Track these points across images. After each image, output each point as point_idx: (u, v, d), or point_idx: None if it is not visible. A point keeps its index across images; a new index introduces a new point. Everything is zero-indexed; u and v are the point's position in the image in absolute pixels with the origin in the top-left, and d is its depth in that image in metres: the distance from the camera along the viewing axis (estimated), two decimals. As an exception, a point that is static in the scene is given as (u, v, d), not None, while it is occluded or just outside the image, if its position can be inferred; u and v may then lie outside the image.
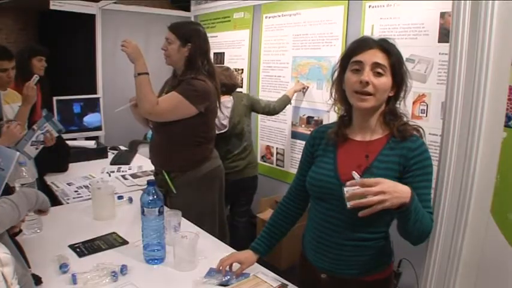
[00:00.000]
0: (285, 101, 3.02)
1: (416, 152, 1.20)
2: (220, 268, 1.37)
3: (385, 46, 1.21)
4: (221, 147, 2.58)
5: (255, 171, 2.95)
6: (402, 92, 1.25)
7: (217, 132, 2.72)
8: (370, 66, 1.19)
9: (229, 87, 2.80)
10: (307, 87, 3.05)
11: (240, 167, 2.80)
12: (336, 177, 1.26)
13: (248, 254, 1.44)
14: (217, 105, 2.12)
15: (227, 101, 2.78)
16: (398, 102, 1.27)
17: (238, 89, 3.63)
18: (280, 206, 1.50)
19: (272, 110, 2.98)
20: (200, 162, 2.09)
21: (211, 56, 3.72)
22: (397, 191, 1.08)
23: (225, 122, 2.76)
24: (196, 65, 2.00)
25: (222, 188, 2.27)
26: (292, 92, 3.05)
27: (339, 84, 1.29)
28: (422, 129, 1.27)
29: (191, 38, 2.01)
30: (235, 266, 1.40)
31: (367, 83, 1.18)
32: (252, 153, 2.97)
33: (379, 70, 1.19)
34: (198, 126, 2.03)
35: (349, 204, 1.16)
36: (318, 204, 1.33)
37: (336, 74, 1.31)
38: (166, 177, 2.06)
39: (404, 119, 1.27)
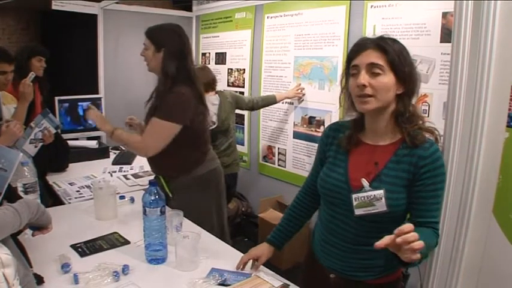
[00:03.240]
0: (270, 100, 3.08)
1: (428, 160, 1.14)
2: (240, 267, 1.40)
3: (381, 44, 1.16)
4: None
5: (237, 168, 3.01)
6: (412, 87, 1.18)
7: None
8: (365, 68, 1.15)
9: (209, 85, 2.86)
10: (302, 95, 3.07)
11: (226, 163, 2.82)
12: (346, 183, 1.24)
13: (263, 247, 1.45)
14: (202, 107, 2.02)
15: (214, 98, 2.86)
16: (411, 98, 1.20)
17: (239, 89, 3.64)
18: (295, 200, 1.50)
19: (255, 104, 3.07)
20: (194, 166, 2.05)
21: (213, 55, 3.72)
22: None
23: (214, 118, 2.81)
24: (171, 71, 1.90)
25: (221, 189, 2.21)
26: (282, 97, 3.10)
27: (347, 90, 1.26)
28: (438, 131, 1.20)
29: (165, 42, 1.92)
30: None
31: (364, 86, 1.14)
32: (236, 150, 3.03)
33: (376, 70, 1.14)
34: (186, 135, 1.96)
35: (356, 212, 1.16)
36: (327, 207, 1.32)
37: (343, 81, 1.27)
38: (162, 181, 2.05)
39: (419, 121, 1.19)
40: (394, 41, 1.19)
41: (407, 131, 1.17)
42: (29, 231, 1.59)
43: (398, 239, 0.94)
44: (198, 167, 2.07)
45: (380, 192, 1.15)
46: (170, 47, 1.91)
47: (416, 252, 0.95)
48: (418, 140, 1.16)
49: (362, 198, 1.17)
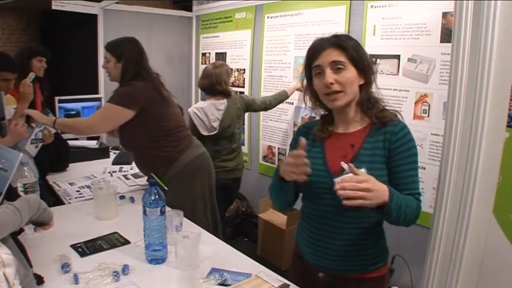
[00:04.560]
0: (282, 96, 3.06)
1: (399, 134, 1.23)
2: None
3: (338, 42, 1.23)
4: (210, 148, 2.63)
5: (240, 173, 2.99)
6: (371, 77, 1.27)
7: (207, 133, 2.76)
8: (329, 66, 1.22)
9: (225, 90, 2.84)
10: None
11: (228, 168, 2.83)
12: (325, 170, 1.27)
13: None
14: (158, 96, 2.14)
15: (220, 103, 2.82)
16: (371, 87, 1.29)
17: (239, 89, 3.64)
18: None
19: (268, 105, 3.04)
20: (178, 154, 2.16)
21: (213, 55, 3.74)
22: (379, 191, 1.10)
23: (216, 124, 2.79)
24: (129, 76, 2.11)
25: (211, 175, 2.33)
26: (292, 90, 3.09)
27: (311, 90, 1.32)
28: (400, 114, 1.30)
29: (123, 53, 2.14)
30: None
31: (332, 83, 1.21)
32: (240, 155, 3.00)
33: (339, 66, 1.21)
34: (151, 124, 2.10)
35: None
36: (311, 202, 1.34)
37: (305, 81, 1.34)
38: (155, 177, 2.08)
39: (381, 105, 1.29)
40: (348, 37, 1.28)
41: (374, 114, 1.27)
42: (29, 231, 1.59)
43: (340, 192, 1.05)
44: (184, 153, 2.18)
45: (361, 171, 1.16)
46: (129, 56, 2.13)
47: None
48: (387, 118, 1.26)
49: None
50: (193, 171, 2.20)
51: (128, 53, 2.14)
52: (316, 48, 1.26)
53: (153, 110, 2.09)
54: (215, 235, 1.76)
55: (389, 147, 1.23)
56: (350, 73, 1.22)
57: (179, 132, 2.20)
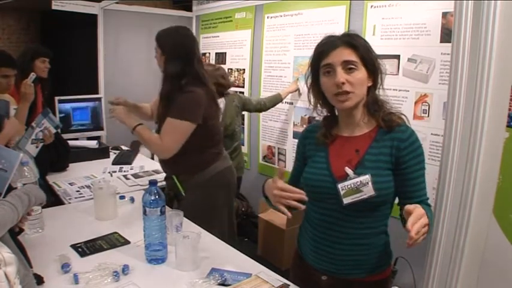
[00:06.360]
0: (277, 99, 3.08)
1: (408, 142, 1.20)
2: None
3: (350, 41, 1.20)
4: None
5: (240, 172, 2.98)
6: (379, 79, 1.24)
7: None
8: (340, 65, 1.18)
9: (222, 89, 2.84)
10: (299, 90, 3.09)
11: None
12: (329, 175, 1.26)
13: None
14: (215, 107, 2.07)
15: (218, 102, 2.81)
16: (377, 89, 1.26)
17: (239, 89, 3.65)
18: None
19: (263, 106, 3.06)
20: (207, 164, 2.07)
21: (213, 55, 3.72)
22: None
23: None
24: (173, 72, 1.93)
25: (232, 188, 2.24)
26: (286, 93, 3.11)
27: (316, 89, 1.29)
28: (406, 116, 1.27)
29: (166, 45, 1.96)
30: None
31: (343, 83, 1.18)
32: (241, 154, 3.01)
33: (351, 66, 1.18)
34: (200, 135, 1.97)
35: (345, 201, 1.17)
36: (314, 205, 1.32)
37: (309, 80, 1.31)
38: (176, 180, 2.06)
39: (387, 107, 1.26)
40: (358, 36, 1.25)
41: (380, 117, 1.24)
42: (29, 231, 1.60)
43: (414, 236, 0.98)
44: (213, 164, 2.08)
45: (366, 177, 1.16)
46: (172, 50, 1.95)
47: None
48: (394, 122, 1.23)
49: (348, 186, 1.17)
50: (218, 183, 2.10)
51: (171, 46, 1.95)
52: (327, 46, 1.22)
53: (207, 122, 1.98)
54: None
55: (397, 155, 1.20)
56: (361, 74, 1.19)
57: (214, 146, 2.10)
